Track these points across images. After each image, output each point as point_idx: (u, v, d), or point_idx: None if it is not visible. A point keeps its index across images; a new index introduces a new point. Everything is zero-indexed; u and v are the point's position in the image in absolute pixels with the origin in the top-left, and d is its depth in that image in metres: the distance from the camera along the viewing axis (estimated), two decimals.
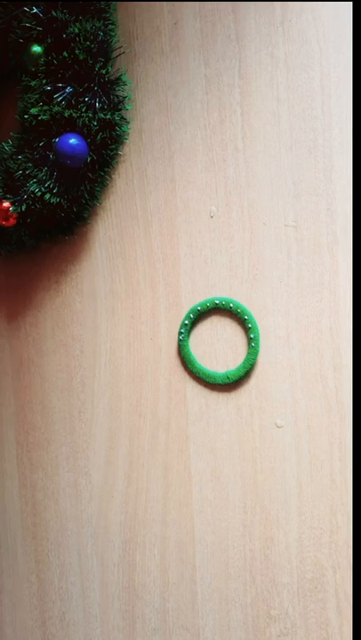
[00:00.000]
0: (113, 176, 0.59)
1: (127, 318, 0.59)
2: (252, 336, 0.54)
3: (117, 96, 0.56)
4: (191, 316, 0.56)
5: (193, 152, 0.56)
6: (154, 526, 0.59)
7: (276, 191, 0.54)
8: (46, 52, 0.53)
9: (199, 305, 0.56)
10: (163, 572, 0.58)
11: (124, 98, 0.57)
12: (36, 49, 0.54)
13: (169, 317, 0.58)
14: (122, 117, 0.57)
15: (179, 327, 0.57)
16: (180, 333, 0.56)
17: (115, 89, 0.56)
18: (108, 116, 0.55)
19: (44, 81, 0.54)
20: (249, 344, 0.54)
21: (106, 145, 0.57)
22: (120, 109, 0.56)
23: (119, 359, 0.60)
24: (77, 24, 0.52)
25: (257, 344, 0.54)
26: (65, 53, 0.53)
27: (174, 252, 0.57)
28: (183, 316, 0.57)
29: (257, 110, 0.54)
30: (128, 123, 0.58)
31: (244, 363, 0.55)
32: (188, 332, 0.56)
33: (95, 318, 0.60)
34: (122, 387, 0.60)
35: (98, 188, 0.58)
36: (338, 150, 0.52)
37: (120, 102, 0.56)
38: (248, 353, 0.54)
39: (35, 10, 0.53)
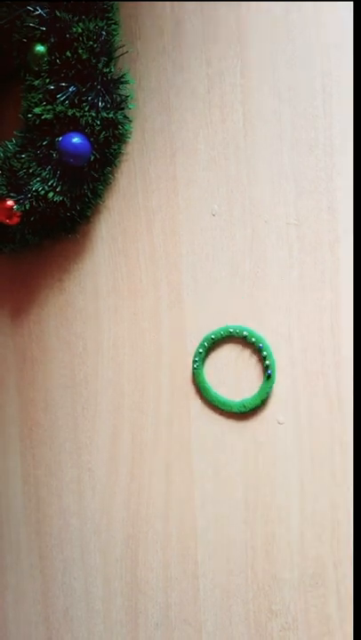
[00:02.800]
0: (116, 175, 0.59)
1: (129, 316, 0.60)
2: (267, 363, 0.54)
3: (120, 95, 0.56)
4: (205, 344, 0.56)
5: (195, 151, 0.57)
6: (156, 522, 0.59)
7: (278, 189, 0.54)
8: (50, 51, 0.54)
9: (213, 333, 0.56)
10: (165, 568, 0.59)
11: (127, 97, 0.57)
12: (40, 49, 0.54)
13: (170, 315, 0.58)
14: (124, 116, 0.57)
15: (181, 327, 0.57)
16: (195, 362, 0.56)
17: (117, 88, 0.56)
18: (110, 115, 0.55)
19: (47, 80, 0.54)
20: (264, 372, 0.54)
21: (109, 144, 0.57)
22: (123, 108, 0.57)
23: (122, 356, 0.60)
24: (80, 24, 0.53)
25: (273, 372, 0.54)
26: (68, 53, 0.53)
27: (176, 250, 0.58)
28: (185, 313, 0.57)
29: (258, 109, 0.54)
30: (131, 122, 0.58)
31: (260, 392, 0.55)
32: (203, 360, 0.56)
33: (98, 316, 0.61)
34: (124, 384, 0.60)
35: (100, 187, 0.59)
36: (339, 149, 0.52)
37: (123, 101, 0.57)
38: (263, 382, 0.54)
39: (38, 10, 0.53)
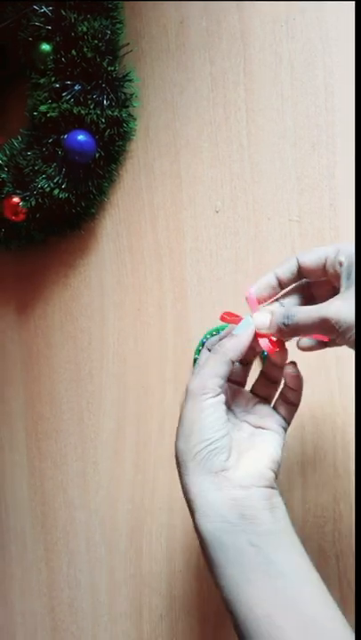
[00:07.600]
0: (120, 172, 0.60)
1: (134, 311, 0.60)
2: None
3: (125, 93, 0.57)
4: (204, 341, 0.56)
5: (199, 148, 0.57)
6: (161, 515, 0.60)
7: (281, 187, 0.55)
8: (55, 50, 0.54)
9: (215, 329, 0.56)
10: (169, 560, 0.59)
11: (132, 95, 0.58)
12: (45, 47, 0.55)
13: (175, 311, 0.59)
14: (129, 114, 0.58)
15: (185, 322, 0.58)
16: (196, 357, 0.57)
17: (122, 86, 0.57)
18: (115, 113, 0.56)
19: (52, 79, 0.55)
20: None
21: (113, 141, 0.58)
22: (127, 106, 0.57)
23: (126, 351, 0.60)
24: (86, 23, 0.53)
25: None
26: (73, 52, 0.53)
27: (180, 247, 0.58)
28: (189, 309, 0.58)
29: (261, 107, 0.55)
30: (135, 119, 0.59)
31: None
32: None
33: (103, 311, 0.61)
34: (129, 378, 0.60)
35: (105, 184, 0.59)
36: (341, 147, 0.53)
37: (127, 99, 0.57)
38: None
39: (44, 9, 0.54)
